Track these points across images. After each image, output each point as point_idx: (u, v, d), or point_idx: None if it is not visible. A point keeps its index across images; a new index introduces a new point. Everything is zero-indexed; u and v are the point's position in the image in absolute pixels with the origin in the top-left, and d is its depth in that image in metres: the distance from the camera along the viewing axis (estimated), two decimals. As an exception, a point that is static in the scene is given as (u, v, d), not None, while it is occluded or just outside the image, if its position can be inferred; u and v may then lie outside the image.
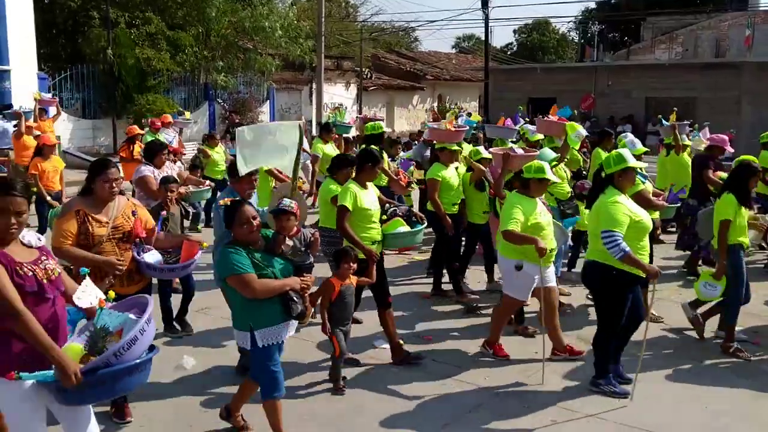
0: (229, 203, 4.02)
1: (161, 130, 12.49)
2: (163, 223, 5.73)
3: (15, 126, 12.02)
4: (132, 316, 3.20)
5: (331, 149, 10.24)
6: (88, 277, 3.32)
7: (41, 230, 8.30)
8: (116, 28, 18.71)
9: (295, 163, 5.21)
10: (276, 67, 23.08)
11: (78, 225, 4.09)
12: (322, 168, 9.97)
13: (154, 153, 7.00)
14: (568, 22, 54.61)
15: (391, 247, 6.34)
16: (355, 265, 4.96)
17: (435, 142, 7.95)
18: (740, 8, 32.29)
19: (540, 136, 8.94)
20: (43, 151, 8.71)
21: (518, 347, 5.76)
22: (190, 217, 7.51)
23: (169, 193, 6.18)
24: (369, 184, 5.65)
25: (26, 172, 8.74)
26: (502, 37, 70.67)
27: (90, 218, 4.11)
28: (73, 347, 3.09)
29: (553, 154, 7.10)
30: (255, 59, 22.17)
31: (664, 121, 9.97)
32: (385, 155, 8.88)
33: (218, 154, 11.19)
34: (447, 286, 7.30)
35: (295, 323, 4.06)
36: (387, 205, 6.08)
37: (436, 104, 33.60)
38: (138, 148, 11.34)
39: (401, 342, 5.50)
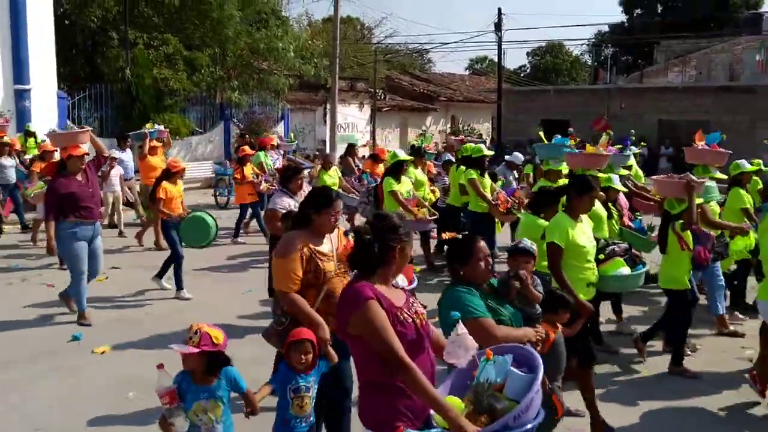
0: (460, 236, 3.52)
1: (267, 152, 12.35)
2: None
3: (139, 147, 11.84)
4: (513, 369, 2.80)
5: (421, 174, 9.74)
6: (460, 324, 2.85)
7: (176, 260, 7.94)
8: (134, 49, 19.04)
9: None
10: (290, 87, 23.35)
11: (305, 262, 3.69)
12: (417, 193, 9.42)
13: (290, 178, 6.28)
14: (582, 44, 54.80)
15: (609, 290, 5.59)
16: (567, 314, 4.05)
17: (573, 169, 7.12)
18: (754, 32, 32.26)
19: (631, 162, 8.62)
20: (171, 175, 8.21)
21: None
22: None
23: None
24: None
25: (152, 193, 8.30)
26: (516, 59, 71.12)
27: (317, 253, 3.72)
28: (454, 401, 2.72)
29: (716, 188, 6.47)
30: (269, 79, 22.44)
31: None
32: (486, 179, 8.48)
33: (331, 177, 10.66)
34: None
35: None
36: (602, 241, 5.31)
37: (449, 125, 33.76)
38: (250, 170, 11.34)
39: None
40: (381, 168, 10.86)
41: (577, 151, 7.42)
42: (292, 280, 3.65)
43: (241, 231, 11.58)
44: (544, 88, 33.47)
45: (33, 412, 4.88)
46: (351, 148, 13.59)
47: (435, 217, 8.32)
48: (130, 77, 18.54)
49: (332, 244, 3.84)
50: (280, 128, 24.83)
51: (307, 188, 8.73)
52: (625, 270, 5.20)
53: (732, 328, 6.82)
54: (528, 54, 57.49)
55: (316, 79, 25.17)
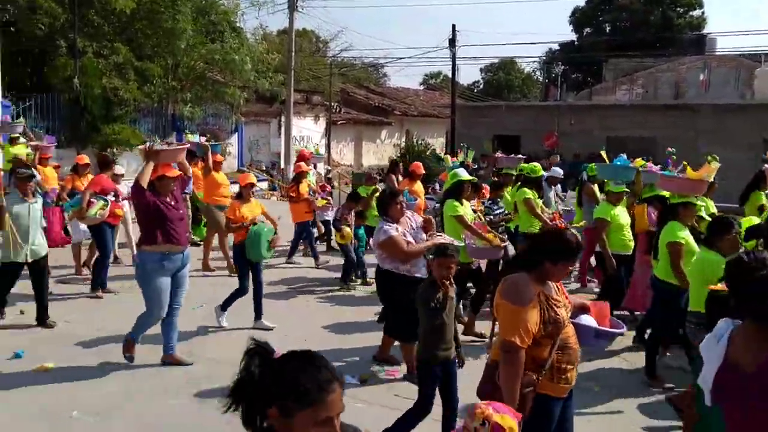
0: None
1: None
2: (437, 310, 4.34)
3: (202, 161, 10.43)
4: None
5: None
6: None
7: (239, 292, 7.11)
8: (83, 58, 18.64)
9: None
10: (245, 100, 23.17)
11: (543, 311, 3.23)
12: None
13: (388, 203, 5.61)
14: (533, 61, 55.94)
15: None
16: None
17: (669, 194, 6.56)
18: (698, 52, 33.47)
19: None
20: (242, 193, 7.37)
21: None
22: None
23: (446, 270, 4.44)
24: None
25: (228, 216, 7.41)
26: (469, 74, 72.15)
27: (552, 300, 3.28)
28: None
29: None
30: (224, 92, 22.24)
31: None
32: (540, 201, 8.00)
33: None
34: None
35: None
36: None
37: (404, 140, 33.94)
38: (305, 187, 10.55)
39: None
40: (418, 185, 10.47)
41: (675, 173, 6.74)
42: (528, 332, 3.16)
43: (300, 251, 11.03)
44: (496, 104, 33.98)
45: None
46: (395, 165, 12.27)
47: (506, 243, 7.47)
48: (79, 87, 18.14)
49: (556, 288, 3.37)
50: (233, 140, 24.61)
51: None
52: None
53: None
54: (481, 70, 58.45)
55: (271, 94, 25.05)
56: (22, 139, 12.78)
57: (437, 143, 34.35)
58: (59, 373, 5.83)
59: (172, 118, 21.93)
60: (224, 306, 7.17)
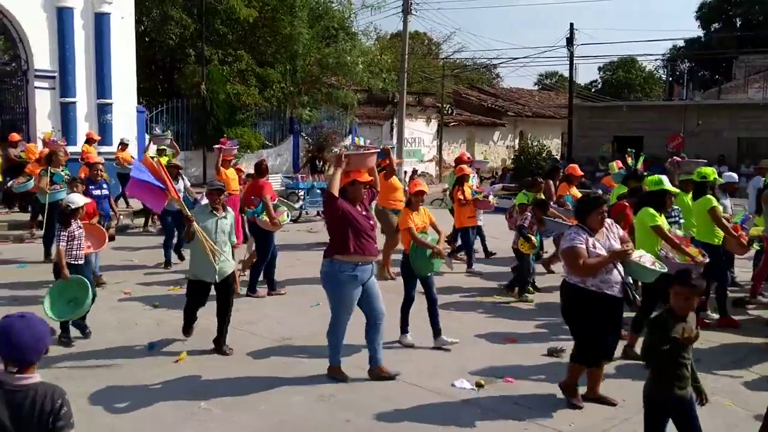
0: None
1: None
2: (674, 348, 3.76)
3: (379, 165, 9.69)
4: None
5: None
6: None
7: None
8: (210, 65, 19.63)
9: None
10: (358, 102, 23.59)
11: None
12: None
13: (589, 210, 5.04)
14: (655, 59, 53.38)
15: None
16: None
17: None
18: (841, 46, 30.76)
19: None
20: (411, 201, 7.00)
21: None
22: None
23: (685, 302, 3.79)
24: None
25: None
26: (586, 74, 69.70)
27: None
28: None
29: None
30: (338, 94, 22.76)
31: None
32: (720, 207, 7.47)
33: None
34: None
35: None
36: None
37: (517, 141, 33.39)
38: (469, 191, 10.17)
39: None
40: (574, 190, 9.96)
41: None
42: None
43: (455, 256, 10.58)
44: (616, 104, 32.69)
45: (103, 419, 4.98)
46: (554, 171, 11.55)
47: (707, 260, 6.65)
48: (205, 92, 19.10)
49: None
50: (347, 142, 25.09)
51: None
52: None
53: None
54: (599, 69, 56.37)
55: (384, 93, 25.38)
56: (168, 151, 13.51)
57: (552, 145, 33.52)
58: (192, 365, 6.06)
59: (290, 121, 22.67)
60: (402, 327, 6.71)
